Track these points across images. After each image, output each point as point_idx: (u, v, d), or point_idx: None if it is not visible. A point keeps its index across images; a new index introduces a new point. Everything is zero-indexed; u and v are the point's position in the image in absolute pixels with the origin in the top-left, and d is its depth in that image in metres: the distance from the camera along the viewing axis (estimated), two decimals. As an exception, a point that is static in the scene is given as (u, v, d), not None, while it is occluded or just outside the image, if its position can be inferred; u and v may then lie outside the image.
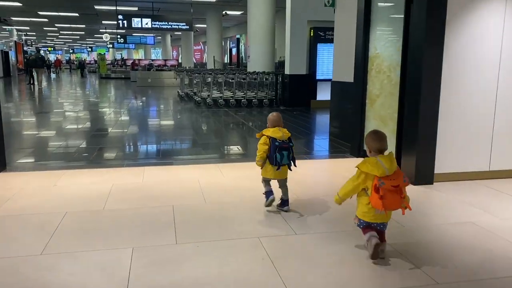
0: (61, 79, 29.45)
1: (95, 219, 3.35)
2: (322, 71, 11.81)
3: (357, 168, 2.61)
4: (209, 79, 12.01)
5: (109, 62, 44.10)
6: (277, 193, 3.50)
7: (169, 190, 4.08)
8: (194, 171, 4.80)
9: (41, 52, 26.72)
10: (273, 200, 3.43)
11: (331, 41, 11.76)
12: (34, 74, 19.33)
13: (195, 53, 36.67)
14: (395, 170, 2.52)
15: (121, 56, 49.86)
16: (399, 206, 2.53)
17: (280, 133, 3.33)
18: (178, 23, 21.40)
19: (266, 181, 3.50)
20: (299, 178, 4.12)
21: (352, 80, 5.66)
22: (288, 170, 3.46)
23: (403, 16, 4.53)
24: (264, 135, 3.38)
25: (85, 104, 12.59)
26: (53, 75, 33.06)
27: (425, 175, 4.31)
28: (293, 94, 11.69)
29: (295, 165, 3.44)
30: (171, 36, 38.88)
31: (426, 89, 4.15)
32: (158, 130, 8.07)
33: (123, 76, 28.58)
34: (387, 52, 4.91)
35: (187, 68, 21.99)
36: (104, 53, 38.28)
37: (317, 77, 11.79)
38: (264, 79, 12.26)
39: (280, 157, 3.28)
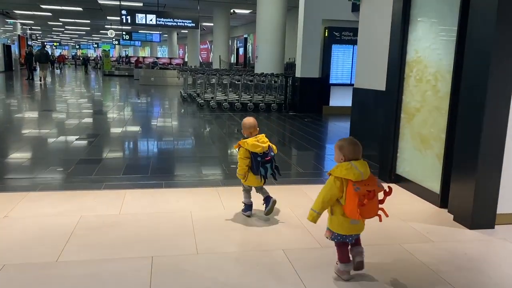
0: (63, 75, 28.64)
1: (39, 279, 2.39)
2: (337, 75, 10.82)
3: (329, 175, 2.41)
4: (213, 80, 11.04)
5: (115, 59, 43.51)
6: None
7: (152, 229, 3.12)
8: (187, 198, 3.84)
9: (47, 47, 26.09)
10: (250, 216, 3.36)
11: (347, 42, 10.83)
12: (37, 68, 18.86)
13: (202, 52, 35.82)
14: (369, 175, 2.34)
15: (126, 53, 49.09)
16: (375, 213, 2.35)
17: (259, 146, 3.15)
18: (184, 20, 20.48)
19: (248, 190, 3.38)
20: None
21: (383, 88, 4.68)
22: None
23: (459, 8, 3.55)
24: (242, 147, 3.20)
25: (78, 104, 11.69)
26: (56, 71, 32.23)
27: (484, 215, 3.32)
28: (304, 98, 10.72)
29: (279, 174, 3.32)
30: (177, 34, 38.09)
31: (492, 103, 3.16)
32: (152, 138, 7.12)
33: (126, 73, 27.71)
34: (433, 56, 3.92)
35: (191, 67, 21.04)
36: (109, 50, 37.44)
37: (331, 81, 10.79)
38: (273, 81, 11.29)
39: (265, 170, 3.20)
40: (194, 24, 20.69)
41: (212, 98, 11.44)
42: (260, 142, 3.17)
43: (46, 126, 7.83)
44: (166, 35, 39.34)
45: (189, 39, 30.47)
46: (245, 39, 26.08)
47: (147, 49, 51.25)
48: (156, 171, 4.84)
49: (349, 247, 2.45)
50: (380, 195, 2.37)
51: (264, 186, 3.36)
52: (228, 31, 23.06)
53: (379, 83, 4.85)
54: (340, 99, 10.82)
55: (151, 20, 20.04)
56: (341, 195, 2.34)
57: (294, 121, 9.52)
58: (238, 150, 3.26)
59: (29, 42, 38.08)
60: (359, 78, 5.89)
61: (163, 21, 20.22)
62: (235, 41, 29.47)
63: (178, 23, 20.44)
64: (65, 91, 16.04)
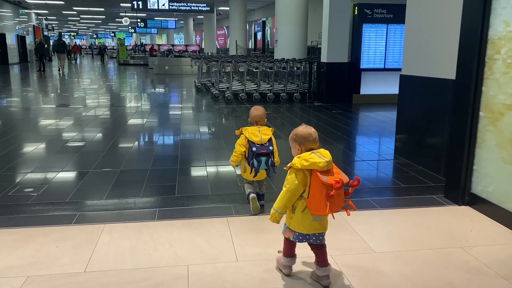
0: (78, 65, 27.97)
1: None
2: (368, 58, 9.51)
3: (289, 169, 2.12)
4: (229, 68, 9.89)
5: (131, 47, 42.75)
6: None
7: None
8: (186, 238, 2.76)
9: (65, 37, 25.63)
10: (254, 200, 3.11)
11: (380, 21, 9.45)
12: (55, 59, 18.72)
13: (219, 38, 34.64)
14: (333, 164, 2.10)
15: (140, 42, 48.30)
16: (341, 206, 2.09)
17: (258, 136, 3.02)
18: (198, 4, 19.34)
19: (248, 183, 3.24)
20: (355, 248, 2.04)
21: (452, 77, 3.46)
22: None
23: None
24: (243, 134, 3.08)
25: (82, 97, 10.75)
26: (72, 62, 31.62)
27: None
28: (331, 87, 9.47)
29: (274, 172, 3.10)
30: (193, 20, 37.00)
31: None
32: (154, 141, 6.07)
33: (141, 62, 26.82)
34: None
35: (207, 54, 19.89)
36: (124, 38, 36.58)
37: (362, 66, 9.50)
38: (295, 68, 10.05)
39: (257, 163, 3.01)
40: (209, 8, 19.53)
41: (227, 88, 10.32)
42: (262, 133, 3.04)
43: (41, 126, 6.88)
44: (182, 22, 38.30)
45: (205, 25, 29.36)
46: (263, 22, 24.68)
47: (164, 36, 50.50)
48: (149, 192, 3.75)
49: (315, 260, 2.23)
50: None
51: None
52: (245, 14, 21.77)
53: (443, 69, 3.62)
54: (373, 86, 9.55)
55: (163, 5, 18.99)
56: (304, 189, 2.09)
57: (320, 113, 8.32)
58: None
59: (45, 33, 37.63)
60: (409, 61, 4.64)
61: (176, 6, 19.14)
62: (253, 25, 28.12)
63: (192, 7, 19.33)
64: (76, 82, 15.19)
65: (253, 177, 3.10)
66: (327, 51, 9.27)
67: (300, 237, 2.16)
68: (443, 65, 3.70)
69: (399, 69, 4.82)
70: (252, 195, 3.11)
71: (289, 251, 2.26)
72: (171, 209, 3.29)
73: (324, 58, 9.45)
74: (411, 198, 3.57)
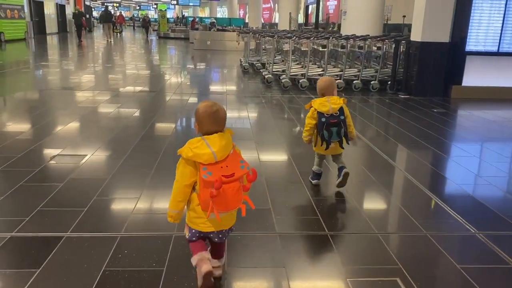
0: (117, 36, 26.50)
1: None
2: (477, 38, 7.06)
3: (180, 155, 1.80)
4: (286, 46, 7.74)
5: (173, 20, 41.04)
6: None
7: None
8: None
9: (109, 8, 24.54)
10: (317, 184, 3.12)
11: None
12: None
13: (264, 12, 32.18)
14: (228, 154, 1.78)
15: (182, 14, 46.50)
16: (237, 204, 1.79)
17: (327, 105, 2.86)
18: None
19: (320, 157, 3.12)
20: None
21: None
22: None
23: None
24: (312, 106, 2.92)
25: (105, 75, 8.96)
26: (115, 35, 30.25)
27: None
28: (423, 74, 7.15)
29: (347, 143, 2.98)
30: (238, -8, 34.78)
31: None
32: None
33: (182, 36, 25.01)
34: None
35: (253, 29, 17.64)
36: (165, 10, 34.86)
37: (468, 48, 7.07)
38: (375, 47, 7.74)
39: (328, 134, 2.87)
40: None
41: (283, 71, 8.20)
42: (331, 103, 2.86)
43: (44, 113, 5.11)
44: (227, -7, 36.09)
45: (251, -4, 27.11)
46: (318, -6, 21.97)
47: (207, 9, 48.81)
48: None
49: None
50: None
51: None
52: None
53: None
54: (481, 75, 7.14)
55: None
56: (195, 181, 1.79)
57: (412, 110, 6.08)
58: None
59: (87, 2, 36.48)
60: None
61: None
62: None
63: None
64: (103, 57, 13.52)
65: (325, 149, 2.93)
66: (423, 26, 6.91)
67: (197, 234, 1.89)
68: None
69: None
70: (315, 181, 3.14)
71: (196, 247, 1.90)
72: None
73: (416, 36, 7.11)
74: None
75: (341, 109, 2.88)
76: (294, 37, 7.94)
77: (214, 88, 8.07)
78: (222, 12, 44.48)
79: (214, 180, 1.68)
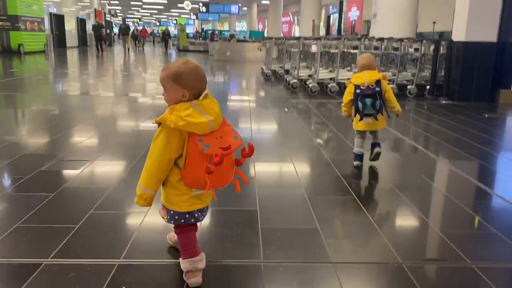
0: (136, 50, 26.47)
1: None
2: (529, 37, 6.33)
3: (158, 125, 1.53)
4: (314, 48, 7.15)
5: (192, 34, 41.19)
6: None
7: None
8: None
9: (129, 24, 25.27)
10: (359, 165, 3.07)
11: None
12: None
13: (283, 25, 31.86)
14: (221, 123, 1.56)
15: (202, 28, 46.73)
16: (230, 178, 1.60)
17: (363, 77, 2.88)
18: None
19: (360, 137, 3.10)
20: None
21: None
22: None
23: None
24: (351, 82, 2.97)
25: (122, 84, 8.50)
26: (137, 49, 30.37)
27: None
28: (468, 77, 6.43)
29: (381, 114, 2.92)
30: (257, 6, 34.63)
31: None
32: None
33: (201, 48, 24.82)
34: None
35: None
36: (185, 24, 34.97)
37: (518, 49, 6.35)
38: (412, 49, 7.07)
39: (362, 106, 2.86)
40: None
41: (309, 76, 7.59)
42: (368, 75, 2.87)
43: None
44: (245, 9, 36.07)
45: (270, 10, 26.86)
46: (341, 3, 21.48)
47: (226, 24, 48.93)
48: None
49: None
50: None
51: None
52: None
53: None
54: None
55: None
56: (179, 155, 1.50)
57: (461, 116, 5.34)
58: None
59: (108, 18, 36.90)
60: None
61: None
62: (325, 8, 24.96)
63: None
64: (117, 71, 13.19)
65: (359, 120, 2.94)
66: (467, 24, 6.22)
67: (177, 217, 1.59)
68: None
69: None
70: (356, 162, 3.08)
71: (189, 249, 1.61)
72: None
73: (459, 36, 6.42)
74: None
75: (378, 82, 2.87)
76: (322, 39, 7.33)
77: (235, 97, 7.50)
78: (241, 27, 44.53)
79: (213, 154, 1.47)
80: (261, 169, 3.06)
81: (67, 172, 2.88)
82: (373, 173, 3.09)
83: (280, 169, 3.20)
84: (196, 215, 1.62)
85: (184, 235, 1.63)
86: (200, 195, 1.59)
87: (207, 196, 1.61)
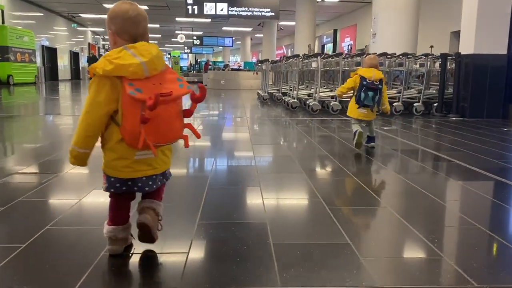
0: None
1: None
2: (541, 49, 6.02)
3: (92, 76, 1.36)
4: (314, 64, 6.79)
5: (187, 68, 41.52)
6: None
7: None
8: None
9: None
10: (360, 134, 3.35)
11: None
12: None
13: (277, 58, 32.11)
14: (163, 69, 1.37)
15: (195, 59, 47.19)
16: (177, 133, 1.40)
17: (371, 73, 3.29)
18: (261, 9, 16.64)
19: (356, 121, 3.46)
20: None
21: None
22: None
23: None
24: (357, 74, 3.35)
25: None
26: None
27: None
28: (478, 92, 6.05)
29: (378, 111, 3.43)
30: (251, 40, 35.03)
31: None
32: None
33: (195, 80, 24.67)
34: None
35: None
36: (178, 56, 35.19)
37: (530, 61, 6.02)
38: (417, 65, 6.73)
39: (364, 96, 3.28)
40: (273, 14, 16.71)
41: (309, 96, 7.20)
42: (375, 72, 3.31)
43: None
44: (239, 42, 36.46)
45: (264, 42, 27.03)
46: (335, 31, 21.59)
47: (220, 58, 49.37)
48: None
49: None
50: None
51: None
52: (313, 23, 18.82)
53: None
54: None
55: (221, 9, 16.42)
56: (115, 108, 1.32)
57: (475, 134, 4.89)
58: None
59: (101, 52, 37.08)
60: None
61: (236, 11, 16.54)
62: (319, 38, 25.18)
63: (254, 13, 16.62)
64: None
65: (357, 108, 3.35)
66: (475, 36, 5.91)
67: (118, 185, 1.38)
68: None
69: None
70: (358, 131, 3.36)
71: (114, 216, 1.44)
72: None
73: (467, 48, 6.09)
74: None
75: (381, 81, 3.32)
76: (324, 55, 6.98)
77: (220, 136, 7.05)
78: (235, 60, 45.03)
79: (147, 98, 1.25)
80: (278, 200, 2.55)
81: (27, 185, 2.35)
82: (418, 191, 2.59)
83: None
84: (139, 184, 1.39)
85: (116, 200, 1.44)
86: (147, 159, 1.37)
87: (151, 161, 1.37)
